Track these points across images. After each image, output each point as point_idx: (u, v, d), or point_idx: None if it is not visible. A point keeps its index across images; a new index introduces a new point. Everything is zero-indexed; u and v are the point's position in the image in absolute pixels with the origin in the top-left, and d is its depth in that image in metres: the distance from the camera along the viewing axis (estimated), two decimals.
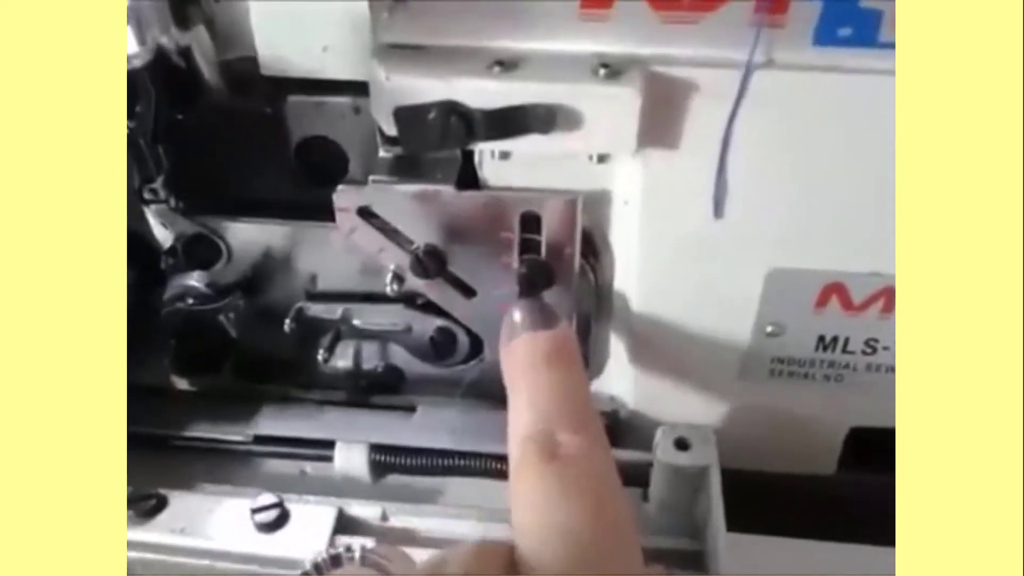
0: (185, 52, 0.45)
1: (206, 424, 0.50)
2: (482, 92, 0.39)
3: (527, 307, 0.39)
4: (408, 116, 0.40)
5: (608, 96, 0.38)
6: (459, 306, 0.49)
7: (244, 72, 0.46)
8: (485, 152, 0.43)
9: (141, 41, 0.35)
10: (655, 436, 0.47)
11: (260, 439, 0.50)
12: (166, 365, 0.55)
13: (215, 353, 0.54)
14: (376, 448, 0.48)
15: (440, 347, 0.52)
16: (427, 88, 0.39)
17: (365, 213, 0.46)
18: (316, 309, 0.52)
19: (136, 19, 0.34)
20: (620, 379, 0.52)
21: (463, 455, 0.48)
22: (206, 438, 0.50)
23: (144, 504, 0.46)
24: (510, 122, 0.39)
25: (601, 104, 0.38)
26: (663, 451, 0.46)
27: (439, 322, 0.51)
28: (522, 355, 0.37)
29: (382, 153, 0.46)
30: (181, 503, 0.47)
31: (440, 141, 0.40)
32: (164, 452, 0.51)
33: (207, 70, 0.46)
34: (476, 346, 0.52)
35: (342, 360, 0.54)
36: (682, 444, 0.46)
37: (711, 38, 0.38)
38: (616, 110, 0.38)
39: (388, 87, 0.40)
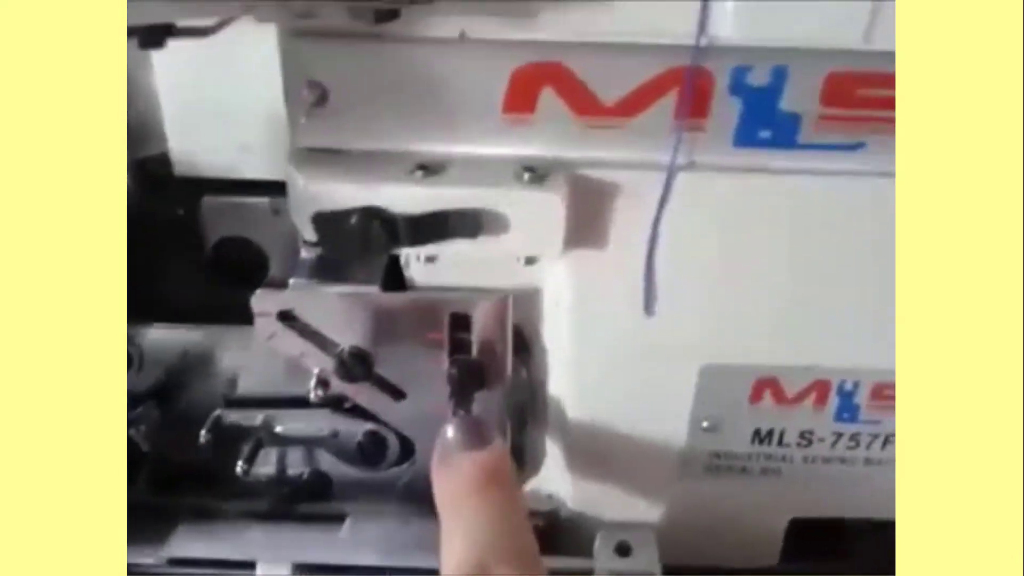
0: None
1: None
2: (405, 197, 0.38)
3: (461, 425, 0.38)
4: (328, 221, 0.38)
5: (533, 201, 0.37)
6: (388, 409, 0.47)
7: (156, 171, 0.45)
8: (411, 255, 0.42)
9: None
10: (595, 540, 0.45)
11: (175, 561, 0.46)
12: None
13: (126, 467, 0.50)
14: (301, 568, 0.45)
15: (369, 452, 0.49)
16: (348, 194, 0.38)
17: (286, 316, 0.44)
18: (235, 416, 0.49)
19: None
20: (558, 478, 0.50)
21: (395, 571, 0.45)
22: None
23: None
24: (435, 227, 0.38)
25: (526, 208, 0.38)
26: (603, 559, 0.44)
27: (368, 426, 0.49)
28: (455, 479, 0.36)
29: (304, 254, 0.44)
30: None
31: (362, 247, 0.38)
32: None
33: None
34: (407, 449, 0.50)
35: (264, 467, 0.51)
36: (623, 549, 0.45)
37: (633, 142, 0.38)
38: (541, 214, 0.38)
39: (307, 192, 0.38)
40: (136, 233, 0.45)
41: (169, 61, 0.40)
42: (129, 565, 0.46)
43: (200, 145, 0.42)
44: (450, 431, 0.38)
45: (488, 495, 0.35)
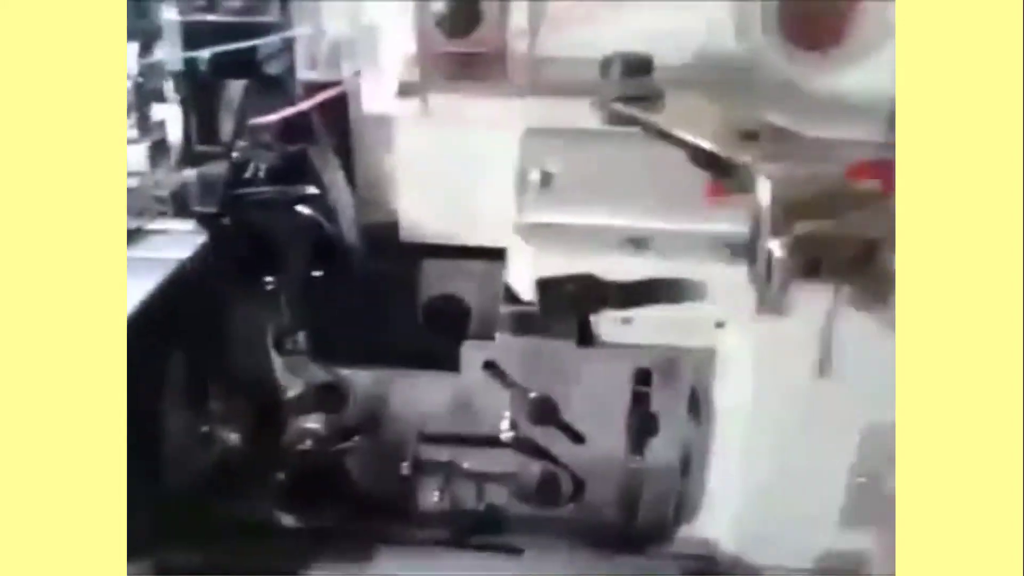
0: (331, 214, 0.50)
1: (327, 563, 0.53)
2: (616, 266, 0.44)
3: None
4: (547, 286, 0.45)
5: (732, 273, 0.43)
6: (567, 452, 0.53)
7: (381, 234, 0.52)
8: (606, 315, 0.48)
9: None
10: None
11: None
12: (270, 502, 0.57)
13: (325, 491, 0.57)
14: None
15: (545, 489, 0.55)
16: (566, 262, 0.44)
17: (490, 365, 0.50)
18: (428, 452, 0.55)
19: None
20: (718, 524, 0.54)
21: None
22: None
23: None
24: (643, 293, 0.44)
25: (725, 279, 0.43)
26: None
27: (545, 466, 0.54)
28: None
29: (503, 310, 0.51)
30: None
31: (575, 309, 0.45)
32: None
33: (348, 233, 0.51)
34: (578, 489, 0.55)
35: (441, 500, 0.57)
36: None
37: None
38: (739, 285, 0.43)
39: (531, 260, 0.45)
40: (359, 288, 0.53)
41: (406, 146, 0.48)
42: None
43: (426, 215, 0.49)
44: None
45: None
